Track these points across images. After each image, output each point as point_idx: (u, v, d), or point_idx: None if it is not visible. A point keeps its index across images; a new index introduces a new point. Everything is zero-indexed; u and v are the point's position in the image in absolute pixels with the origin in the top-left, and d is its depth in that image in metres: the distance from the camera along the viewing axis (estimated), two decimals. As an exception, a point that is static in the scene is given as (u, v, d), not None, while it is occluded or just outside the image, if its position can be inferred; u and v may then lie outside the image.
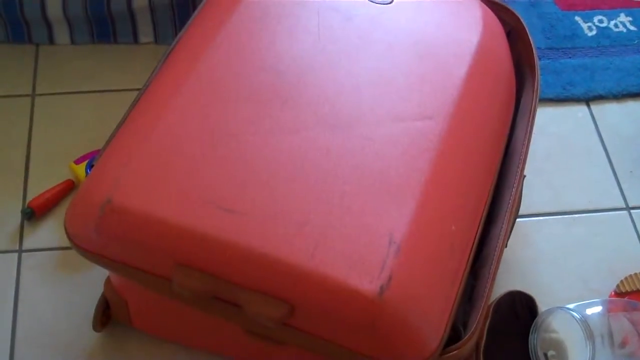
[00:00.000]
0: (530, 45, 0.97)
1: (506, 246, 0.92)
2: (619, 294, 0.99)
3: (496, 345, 0.91)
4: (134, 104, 0.85)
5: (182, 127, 0.79)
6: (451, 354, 0.76)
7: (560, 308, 0.89)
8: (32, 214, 1.04)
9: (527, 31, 0.98)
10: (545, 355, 0.91)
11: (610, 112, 1.21)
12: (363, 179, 0.77)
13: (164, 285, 0.77)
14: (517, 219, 1.03)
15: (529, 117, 0.91)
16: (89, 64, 1.22)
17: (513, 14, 0.99)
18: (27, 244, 1.02)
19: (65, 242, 1.00)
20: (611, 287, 1.01)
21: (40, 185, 1.07)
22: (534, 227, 1.07)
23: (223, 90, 0.82)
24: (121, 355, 0.93)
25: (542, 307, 0.93)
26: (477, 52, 0.90)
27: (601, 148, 1.17)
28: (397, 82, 0.85)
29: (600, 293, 1.01)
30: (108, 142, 0.82)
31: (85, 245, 0.79)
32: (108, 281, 0.90)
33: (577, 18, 1.32)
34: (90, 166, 1.06)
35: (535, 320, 0.91)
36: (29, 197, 1.06)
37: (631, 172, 1.14)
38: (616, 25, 1.32)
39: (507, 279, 1.01)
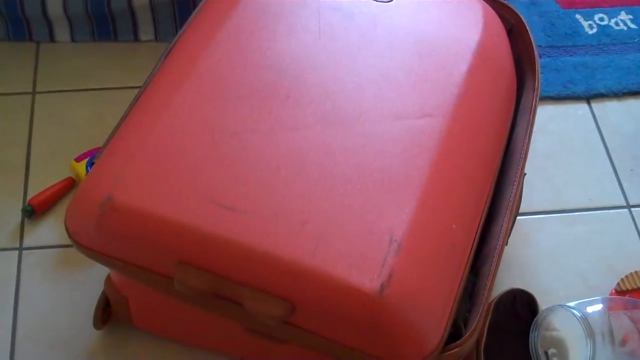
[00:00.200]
0: (531, 43, 0.96)
1: (507, 244, 0.92)
2: (619, 292, 0.99)
3: (497, 343, 0.91)
4: (135, 102, 0.85)
5: (183, 125, 0.79)
6: (452, 351, 0.76)
7: (561, 306, 0.89)
8: (33, 212, 1.04)
9: (528, 29, 0.97)
10: (546, 353, 0.91)
11: (610, 110, 1.21)
12: (364, 177, 0.77)
13: (165, 283, 0.77)
14: (518, 217, 1.03)
15: (530, 115, 0.91)
16: (89, 62, 1.22)
17: (514, 12, 0.99)
18: (27, 242, 1.02)
19: (66, 240, 1.00)
20: (612, 285, 1.01)
21: (41, 183, 1.07)
22: (534, 225, 1.07)
23: (224, 88, 0.82)
24: (121, 353, 0.93)
25: (542, 305, 0.93)
26: (478, 50, 0.90)
27: (602, 146, 1.17)
28: (397, 80, 0.85)
29: (601, 291, 1.01)
30: (108, 140, 0.82)
31: (85, 243, 0.79)
32: (108, 279, 0.90)
33: (577, 16, 1.32)
34: (90, 164, 1.06)
35: (535, 318, 0.91)
36: (30, 195, 1.06)
37: (632, 170, 1.14)
38: (617, 24, 1.31)
39: (507, 276, 1.01)
